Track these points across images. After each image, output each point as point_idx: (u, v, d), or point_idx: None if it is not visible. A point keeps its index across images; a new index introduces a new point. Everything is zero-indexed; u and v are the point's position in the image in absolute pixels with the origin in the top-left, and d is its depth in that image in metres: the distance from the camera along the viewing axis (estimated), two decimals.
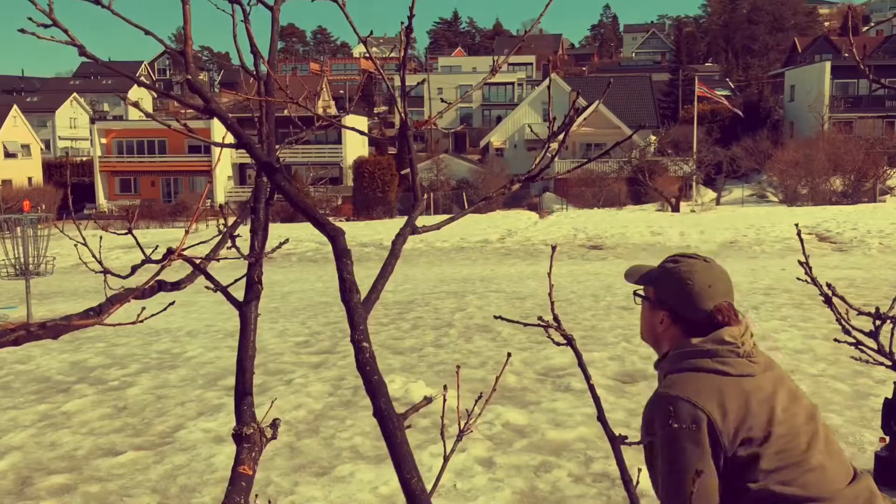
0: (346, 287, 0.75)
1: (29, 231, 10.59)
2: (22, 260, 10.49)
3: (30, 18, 0.94)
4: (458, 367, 1.91)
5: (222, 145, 1.05)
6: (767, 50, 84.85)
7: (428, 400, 0.89)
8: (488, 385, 5.65)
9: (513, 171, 45.12)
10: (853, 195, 32.53)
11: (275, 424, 1.34)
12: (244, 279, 1.41)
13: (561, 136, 1.11)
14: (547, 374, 6.72)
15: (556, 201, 38.44)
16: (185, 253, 1.44)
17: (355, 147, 53.80)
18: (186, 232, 1.34)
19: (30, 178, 57.40)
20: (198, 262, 1.45)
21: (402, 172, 48.97)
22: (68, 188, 48.49)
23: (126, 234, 1.66)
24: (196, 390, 6.62)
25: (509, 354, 1.46)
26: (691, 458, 1.80)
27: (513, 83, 76.22)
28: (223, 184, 53.67)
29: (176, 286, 1.53)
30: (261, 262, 1.27)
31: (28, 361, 7.86)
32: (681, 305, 1.89)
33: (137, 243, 1.63)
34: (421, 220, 1.25)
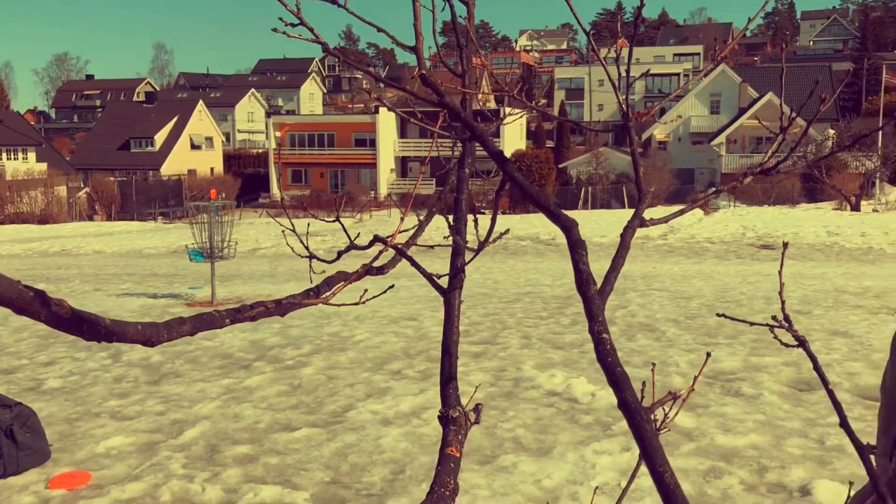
0: (583, 278, 0.75)
1: (214, 217, 11.42)
2: (208, 244, 11.33)
3: (280, 19, 1.02)
4: (654, 364, 1.88)
5: (450, 137, 1.08)
6: None
7: (674, 395, 0.89)
8: (650, 384, 5.49)
9: (676, 166, 43.66)
10: None
11: (477, 409, 1.37)
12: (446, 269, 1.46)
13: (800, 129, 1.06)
14: (715, 378, 6.46)
15: (723, 197, 36.77)
16: (390, 241, 1.50)
17: (513, 140, 53.91)
18: (402, 220, 1.40)
19: (212, 169, 61.90)
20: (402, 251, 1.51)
21: (560, 166, 48.55)
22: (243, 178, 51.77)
23: (333, 220, 1.75)
24: (364, 373, 6.89)
25: (709, 354, 1.42)
26: None
27: (678, 74, 73.59)
28: (386, 176, 55.45)
29: (381, 271, 1.60)
30: (474, 253, 1.31)
31: (213, 338, 8.48)
32: None
33: (345, 230, 1.71)
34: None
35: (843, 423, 0.79)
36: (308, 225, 2.06)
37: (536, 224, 25.12)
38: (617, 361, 0.70)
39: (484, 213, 1.60)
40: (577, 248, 0.80)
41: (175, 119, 61.91)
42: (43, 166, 53.16)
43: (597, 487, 4.09)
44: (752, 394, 5.96)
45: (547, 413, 5.64)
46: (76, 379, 6.91)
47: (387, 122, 54.64)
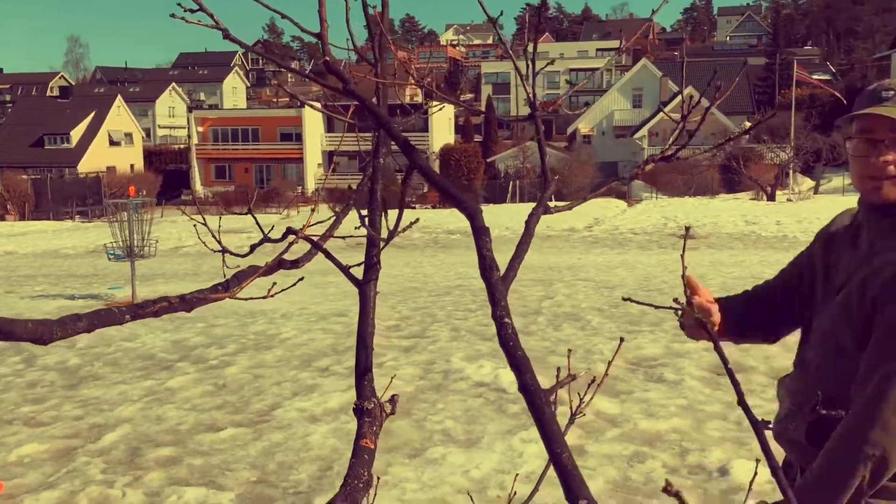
0: (486, 264, 0.75)
1: (134, 215, 11.09)
2: (128, 242, 11.00)
3: (179, 4, 0.98)
4: (570, 350, 1.90)
5: (353, 122, 1.07)
6: (872, 32, 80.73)
7: (572, 377, 0.89)
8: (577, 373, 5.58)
9: (601, 159, 44.51)
10: None
11: (393, 400, 1.36)
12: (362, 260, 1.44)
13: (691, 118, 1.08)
14: (639, 365, 6.62)
15: (644, 189, 37.68)
16: (301, 233, 1.48)
17: (442, 134, 54.01)
18: (313, 211, 1.37)
19: (132, 165, 60.04)
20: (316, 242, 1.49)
21: (488, 160, 48.89)
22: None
23: (246, 213, 1.71)
24: (291, 371, 6.81)
25: (622, 339, 1.44)
26: None
27: (600, 69, 74.85)
28: (313, 171, 54.80)
29: (295, 264, 1.58)
30: (387, 242, 1.30)
31: (134, 339, 8.25)
32: None
33: (257, 223, 1.67)
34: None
35: (741, 402, 0.81)
36: (220, 219, 2.01)
37: (464, 218, 25.24)
38: (518, 345, 0.70)
39: (415, 208, 1.59)
40: (480, 234, 0.80)
41: (92, 114, 59.77)
42: None
43: (517, 475, 4.14)
44: (675, 379, 6.12)
45: (475, 404, 5.68)
46: None
47: (313, 116, 53.96)
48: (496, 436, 4.99)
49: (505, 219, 22.52)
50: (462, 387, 6.13)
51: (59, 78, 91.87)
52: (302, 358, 7.27)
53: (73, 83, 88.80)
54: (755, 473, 1.10)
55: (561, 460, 0.61)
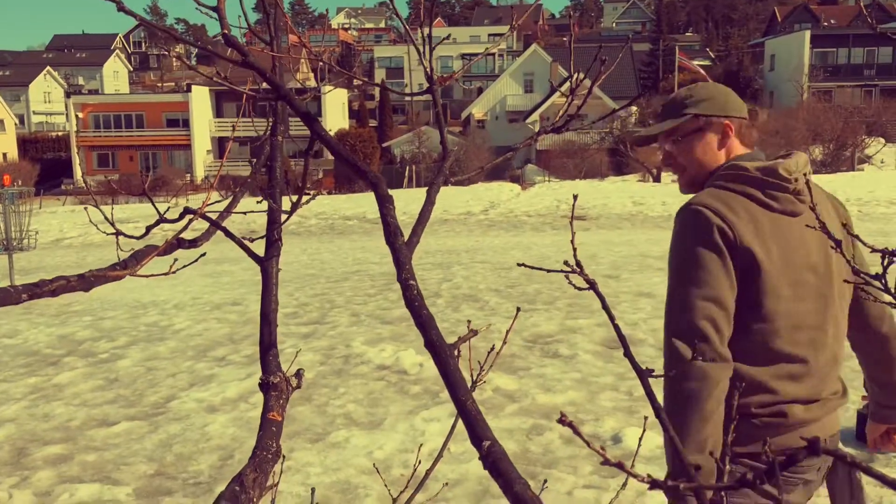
0: (391, 231, 0.78)
1: (10, 206, 10.49)
2: (3, 235, 10.40)
3: None
4: (469, 322, 1.95)
5: (253, 95, 1.07)
6: (747, 19, 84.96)
7: (474, 332, 0.94)
8: (477, 352, 5.70)
9: (495, 143, 45.10)
10: (832, 164, 32.85)
11: (299, 374, 1.38)
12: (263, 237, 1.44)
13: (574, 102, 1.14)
14: (535, 342, 6.81)
15: (538, 173, 38.50)
16: (199, 211, 1.47)
17: (336, 119, 53.42)
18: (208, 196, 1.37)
19: (4, 154, 56.59)
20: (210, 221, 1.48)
21: (384, 145, 48.73)
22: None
23: (143, 199, 1.68)
24: (186, 361, 6.64)
25: (518, 309, 1.51)
26: (705, 274, 1.78)
27: (493, 54, 75.71)
28: (202, 157, 53.19)
29: (193, 244, 1.57)
30: (284, 218, 1.31)
31: (15, 336, 7.84)
32: (729, 110, 1.95)
33: (156, 208, 1.65)
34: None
35: (627, 353, 0.88)
36: (112, 204, 1.96)
37: (363, 203, 25.14)
38: (423, 305, 0.74)
39: (309, 194, 1.60)
40: (385, 202, 0.83)
41: None
42: None
43: (421, 445, 4.21)
44: (569, 354, 6.33)
45: (377, 387, 5.71)
46: None
47: (201, 101, 52.28)
48: (398, 416, 5.04)
49: (402, 203, 22.55)
50: (364, 370, 6.14)
51: None
52: (197, 348, 7.10)
53: None
54: (641, 439, 1.19)
55: (465, 407, 0.65)
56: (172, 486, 4.18)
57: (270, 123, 1.60)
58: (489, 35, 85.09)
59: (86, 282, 1.14)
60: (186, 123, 52.18)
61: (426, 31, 1.20)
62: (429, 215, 0.87)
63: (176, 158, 52.18)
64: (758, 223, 1.82)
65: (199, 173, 51.01)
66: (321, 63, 1.47)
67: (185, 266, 1.27)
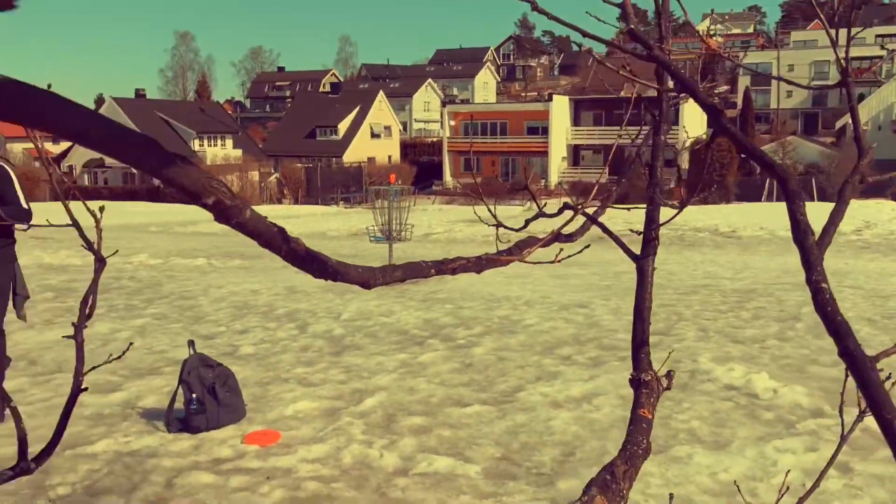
0: (801, 228, 0.74)
1: (393, 202, 11.86)
2: (387, 227, 11.80)
3: None
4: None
5: (656, 86, 1.09)
6: None
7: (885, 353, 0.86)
8: (841, 385, 5.12)
9: (876, 156, 40.25)
10: None
11: (669, 375, 1.37)
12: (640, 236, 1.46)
13: None
14: None
15: None
16: (581, 208, 1.52)
17: (693, 127, 51.78)
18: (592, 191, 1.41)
19: (389, 157, 64.18)
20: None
21: (743, 156, 46.16)
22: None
23: (525, 189, 1.80)
24: (534, 356, 6.94)
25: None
26: None
27: (880, 57, 67.57)
28: (557, 164, 55.09)
29: (570, 238, 1.63)
30: (657, 216, 1.31)
31: (390, 315, 8.84)
32: None
33: (536, 204, 1.73)
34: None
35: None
36: (495, 203, 2.12)
37: (715, 216, 24.04)
38: (837, 310, 0.69)
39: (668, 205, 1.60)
40: (794, 198, 0.79)
41: (357, 109, 64.68)
42: (238, 153, 57.42)
43: (812, 487, 3.90)
44: None
45: (724, 406, 5.43)
46: (267, 346, 7.45)
47: (560, 110, 54.20)
48: (747, 441, 4.75)
49: (759, 218, 21.23)
50: (710, 388, 5.89)
51: (331, 75, 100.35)
52: (544, 344, 7.38)
53: (342, 80, 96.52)
54: None
55: (892, 426, 0.60)
56: (517, 473, 4.40)
57: (651, 124, 1.61)
58: (876, 36, 76.07)
59: (479, 264, 1.25)
60: (545, 131, 54.51)
61: (832, 31, 1.11)
62: (841, 216, 0.81)
63: (533, 164, 54.74)
64: None
65: (553, 179, 52.91)
66: (730, 61, 1.45)
67: (570, 256, 1.33)
